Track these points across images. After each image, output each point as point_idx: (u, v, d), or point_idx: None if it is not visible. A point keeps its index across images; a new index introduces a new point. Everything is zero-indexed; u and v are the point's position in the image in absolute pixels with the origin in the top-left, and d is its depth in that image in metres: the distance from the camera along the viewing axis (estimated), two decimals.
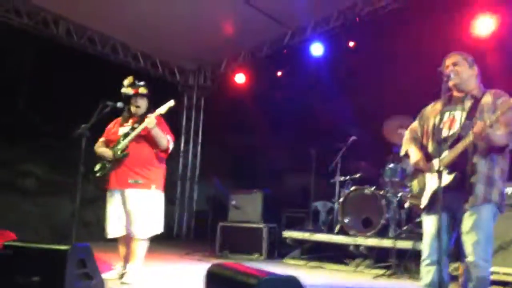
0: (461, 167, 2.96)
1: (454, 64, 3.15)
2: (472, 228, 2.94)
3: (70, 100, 8.41)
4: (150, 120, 4.34)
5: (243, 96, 9.42)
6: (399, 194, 6.17)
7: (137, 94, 4.57)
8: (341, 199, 6.58)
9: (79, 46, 7.99)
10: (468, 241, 2.95)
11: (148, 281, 4.59)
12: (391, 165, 6.27)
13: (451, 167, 2.97)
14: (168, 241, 8.74)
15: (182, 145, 10.15)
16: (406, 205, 5.29)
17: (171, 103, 4.49)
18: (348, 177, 6.81)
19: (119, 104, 4.53)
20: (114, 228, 4.50)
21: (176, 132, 9.83)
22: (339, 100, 8.15)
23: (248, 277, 2.44)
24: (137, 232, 4.38)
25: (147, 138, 4.45)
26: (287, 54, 8.71)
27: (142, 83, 4.65)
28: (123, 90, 4.60)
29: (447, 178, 2.97)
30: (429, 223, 3.11)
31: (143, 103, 4.60)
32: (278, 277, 2.44)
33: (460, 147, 2.95)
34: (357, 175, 6.78)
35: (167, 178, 9.94)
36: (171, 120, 4.81)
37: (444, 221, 3.03)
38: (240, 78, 9.30)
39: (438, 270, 3.03)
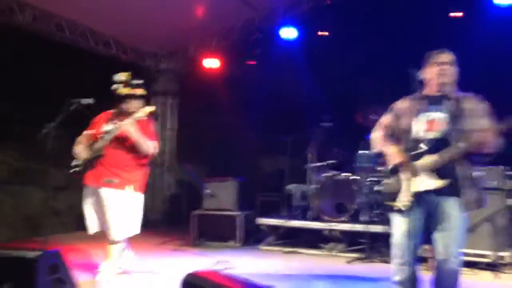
0: (449, 172, 2.96)
1: (446, 64, 3.09)
2: (448, 228, 2.99)
3: (41, 87, 8.20)
4: (127, 126, 4.22)
5: (216, 80, 9.32)
6: (370, 179, 6.26)
7: (130, 95, 4.39)
8: (315, 185, 6.66)
9: (47, 33, 7.72)
10: (443, 239, 3.00)
11: (123, 277, 4.57)
12: (363, 151, 6.34)
13: (439, 171, 2.98)
14: (142, 228, 8.68)
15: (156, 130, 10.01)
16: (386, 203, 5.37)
17: (151, 108, 4.36)
18: (321, 163, 6.87)
19: (87, 101, 4.35)
20: (92, 224, 4.44)
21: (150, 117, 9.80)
22: (313, 85, 8.17)
23: None
24: (111, 233, 4.33)
25: (127, 139, 4.31)
26: (259, 38, 8.63)
27: (140, 82, 4.45)
28: (118, 89, 4.38)
29: (434, 183, 2.99)
30: (401, 223, 3.10)
31: (136, 104, 4.41)
32: None
33: (451, 152, 2.94)
34: (331, 161, 6.85)
35: None
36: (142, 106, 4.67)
37: (417, 222, 3.06)
38: (212, 63, 9.18)
39: (411, 269, 3.11)
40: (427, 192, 2.96)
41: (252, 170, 9.32)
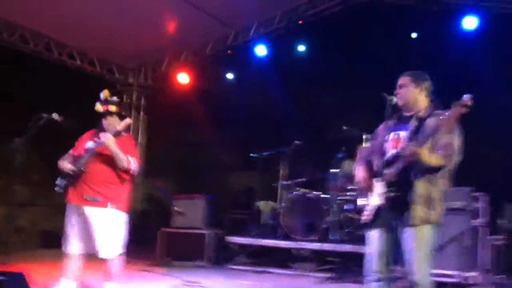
0: (399, 187, 2.99)
1: (400, 86, 3.21)
2: (412, 248, 3.01)
3: (6, 99, 7.95)
4: (106, 138, 4.15)
5: (186, 95, 9.25)
6: (341, 198, 6.30)
7: (106, 112, 4.35)
8: (285, 203, 6.64)
9: (10, 44, 7.51)
10: (409, 260, 3.02)
11: None
12: (333, 170, 6.39)
13: (390, 186, 3.02)
14: None
15: None
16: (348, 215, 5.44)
17: (128, 121, 4.31)
18: (291, 181, 6.87)
19: (54, 116, 4.31)
20: (71, 244, 4.28)
21: None
22: (285, 102, 8.21)
23: None
24: (102, 251, 4.20)
25: (107, 155, 4.24)
26: (231, 55, 8.63)
27: (114, 99, 4.41)
28: (96, 106, 4.38)
29: (385, 198, 3.04)
30: (374, 240, 3.17)
31: (113, 121, 4.35)
32: None
33: (396, 166, 2.99)
34: (301, 179, 6.85)
35: None
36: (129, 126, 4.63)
37: (387, 238, 3.11)
38: (182, 78, 9.11)
39: (381, 285, 3.12)
40: (384, 207, 3.00)
41: (221, 187, 9.24)
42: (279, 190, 6.98)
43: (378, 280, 3.11)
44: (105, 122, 4.39)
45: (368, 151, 3.44)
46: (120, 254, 4.35)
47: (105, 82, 9.36)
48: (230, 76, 8.76)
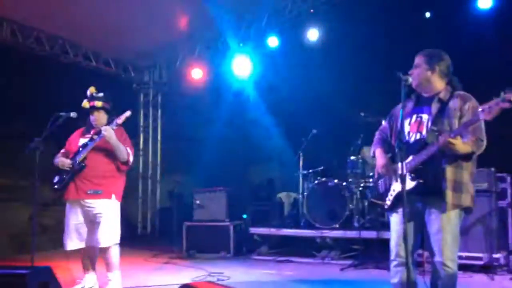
0: (427, 173, 2.94)
1: (415, 66, 3.13)
2: (439, 231, 2.96)
3: (25, 102, 8.08)
4: (108, 131, 4.21)
5: (201, 90, 9.28)
6: (362, 185, 6.26)
7: (93, 108, 4.43)
8: (305, 192, 6.63)
9: (26, 48, 7.62)
10: (436, 242, 2.98)
11: None
12: (352, 157, 6.34)
13: (416, 172, 2.97)
14: (132, 241, 8.59)
15: (142, 142, 9.94)
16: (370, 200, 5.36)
17: (128, 113, 4.36)
18: (311, 170, 6.84)
19: (72, 114, 4.37)
20: (71, 241, 4.37)
21: (134, 130, 9.71)
22: (300, 92, 8.16)
23: None
24: (103, 241, 4.27)
25: (106, 149, 4.34)
26: (244, 47, 8.61)
27: (100, 95, 4.49)
28: (83, 103, 4.47)
29: (410, 184, 2.97)
30: (396, 225, 3.14)
31: (100, 116, 4.46)
32: None
33: (425, 154, 2.93)
34: (320, 168, 6.82)
35: (129, 176, 9.78)
36: (128, 118, 4.66)
37: (410, 223, 3.06)
38: (197, 73, 9.14)
39: (406, 270, 3.08)
40: (409, 193, 2.93)
41: (242, 180, 9.26)
42: (299, 180, 6.95)
43: (401, 264, 3.08)
44: (92, 117, 4.47)
45: (385, 133, 3.38)
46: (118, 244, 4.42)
47: (121, 81, 9.47)
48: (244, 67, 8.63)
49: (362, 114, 6.17)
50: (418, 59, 3.14)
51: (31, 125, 4.20)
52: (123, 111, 4.41)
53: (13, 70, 8.28)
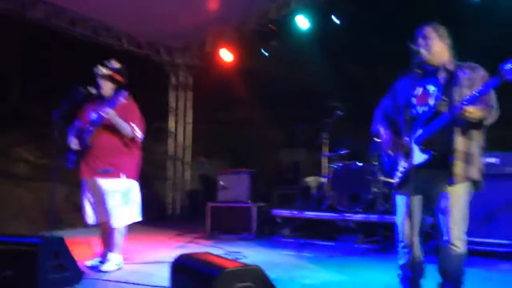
0: (437, 145, 2.87)
1: (424, 38, 3.02)
2: (448, 208, 2.88)
3: (58, 84, 8.31)
4: (106, 113, 4.22)
5: (231, 72, 9.29)
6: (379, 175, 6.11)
7: (97, 75, 4.46)
8: (329, 175, 6.54)
9: (59, 29, 7.80)
10: (444, 221, 2.90)
11: (129, 267, 4.57)
12: (377, 140, 6.18)
13: (427, 145, 2.89)
14: (161, 221, 8.78)
15: (172, 124, 10.05)
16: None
17: (124, 93, 4.29)
18: (334, 153, 6.74)
19: (92, 89, 4.41)
20: (90, 216, 4.47)
21: (165, 112, 9.83)
22: (328, 74, 8.04)
23: (212, 268, 2.39)
24: (112, 221, 4.34)
25: (112, 126, 4.34)
26: (274, 29, 8.52)
27: (112, 65, 4.50)
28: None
29: (421, 157, 2.90)
30: (402, 203, 3.07)
31: (105, 84, 4.45)
32: (241, 268, 2.38)
33: (436, 124, 2.85)
34: (344, 150, 6.71)
35: (160, 158, 9.91)
36: (159, 100, 4.69)
37: (417, 201, 2.99)
38: (226, 55, 9.13)
39: (414, 251, 3.00)
40: (418, 167, 2.84)
41: (267, 163, 9.26)
42: (323, 163, 6.86)
43: (408, 245, 3.01)
44: (101, 85, 4.46)
45: (388, 107, 3.27)
46: (129, 224, 4.46)
47: (152, 63, 9.58)
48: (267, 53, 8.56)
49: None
50: (427, 31, 3.03)
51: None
52: (149, 93, 4.42)
53: (47, 52, 8.54)
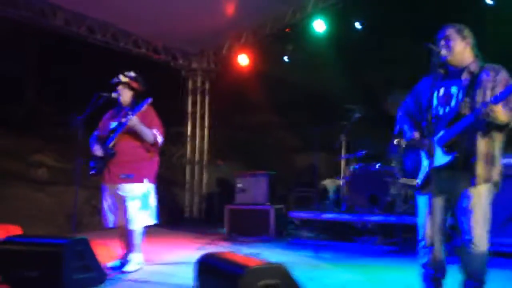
0: (460, 146, 2.86)
1: (446, 39, 3.02)
2: (470, 208, 2.87)
3: (78, 90, 8.45)
4: (130, 120, 4.32)
5: (248, 77, 9.35)
6: (396, 173, 6.08)
7: (119, 83, 4.56)
8: (347, 177, 6.55)
9: (79, 36, 7.94)
10: (466, 220, 2.90)
11: (150, 268, 4.63)
12: (396, 141, 6.17)
13: (450, 147, 2.89)
14: (179, 224, 8.85)
15: (190, 129, 10.13)
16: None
17: (148, 100, 4.42)
18: (353, 155, 6.75)
19: (114, 95, 4.53)
20: (109, 219, 4.59)
21: (182, 116, 9.92)
22: (344, 77, 8.06)
23: (236, 267, 2.43)
24: (131, 224, 4.44)
25: (134, 132, 4.44)
26: (290, 33, 8.57)
27: (130, 73, 4.62)
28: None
29: (444, 158, 2.90)
30: (424, 204, 3.06)
31: (124, 93, 4.57)
32: (265, 266, 2.42)
33: (460, 126, 2.84)
34: (363, 152, 6.71)
35: (178, 162, 9.99)
36: (176, 105, 4.78)
37: (439, 201, 2.99)
38: (243, 59, 9.19)
39: (434, 250, 3.01)
40: (440, 168, 2.84)
41: (285, 166, 9.30)
42: (341, 164, 6.87)
43: (429, 245, 3.02)
44: (120, 94, 4.56)
45: (410, 107, 3.26)
46: (153, 225, 4.55)
47: (169, 68, 9.69)
48: (286, 58, 8.65)
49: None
50: (449, 32, 3.02)
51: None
52: (167, 99, 4.52)
53: (67, 59, 8.69)
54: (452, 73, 3.03)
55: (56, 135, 9.53)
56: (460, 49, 2.99)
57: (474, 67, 2.97)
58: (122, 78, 4.56)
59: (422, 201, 3.09)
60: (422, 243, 3.07)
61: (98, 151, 4.49)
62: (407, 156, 3.21)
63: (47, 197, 8.86)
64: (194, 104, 10.13)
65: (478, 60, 3.00)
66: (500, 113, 2.70)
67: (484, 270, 2.91)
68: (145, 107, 4.35)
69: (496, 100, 2.68)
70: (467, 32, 3.03)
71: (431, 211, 2.97)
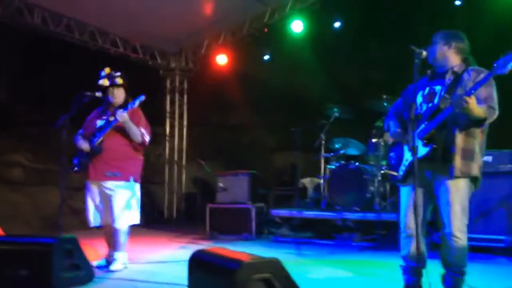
0: (439, 140, 3.01)
1: (432, 43, 3.21)
2: (448, 200, 3.01)
3: (55, 89, 8.35)
4: (121, 117, 4.34)
5: (226, 76, 9.39)
6: (383, 168, 6.26)
7: (113, 85, 4.55)
8: (326, 175, 6.67)
9: (56, 35, 7.85)
10: (445, 212, 3.03)
11: (135, 266, 4.65)
12: (374, 140, 6.34)
13: (429, 139, 3.03)
14: (158, 224, 8.83)
15: (168, 128, 10.13)
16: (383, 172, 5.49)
17: (142, 98, 4.46)
18: (332, 154, 6.88)
19: (98, 94, 4.52)
20: (94, 218, 4.56)
21: (160, 116, 9.90)
22: (322, 77, 8.18)
23: (230, 261, 2.49)
24: (116, 223, 4.44)
25: (122, 130, 4.45)
26: (268, 33, 8.65)
27: (118, 73, 4.60)
28: (100, 81, 4.56)
29: (423, 150, 3.04)
30: (406, 195, 3.20)
31: (119, 93, 4.58)
32: (259, 259, 2.49)
33: (438, 119, 2.99)
34: (342, 151, 6.84)
35: (156, 162, 9.96)
36: (154, 104, 4.78)
37: (420, 193, 3.11)
38: (222, 59, 9.24)
39: (415, 241, 3.12)
40: (420, 160, 2.98)
41: (265, 166, 9.37)
42: (321, 163, 6.99)
43: (410, 236, 3.14)
44: (112, 95, 4.54)
45: (399, 108, 3.44)
46: (133, 225, 4.56)
47: (148, 68, 9.65)
48: (266, 57, 8.78)
49: (385, 96, 6.18)
50: (435, 37, 3.23)
51: (62, 112, 4.35)
52: (138, 95, 4.52)
53: (44, 58, 8.57)
54: (438, 74, 3.21)
55: (31, 135, 9.38)
56: (442, 52, 3.16)
57: (458, 68, 3.14)
58: (119, 80, 4.54)
59: (404, 192, 3.23)
60: (404, 234, 3.20)
61: (84, 145, 4.46)
62: (392, 150, 3.39)
63: (23, 197, 8.72)
64: (172, 103, 10.14)
65: (466, 63, 3.16)
66: (473, 105, 2.82)
67: (464, 262, 3.05)
68: (137, 104, 4.36)
69: (469, 92, 2.83)
70: (455, 37, 3.19)
71: (412, 203, 3.09)
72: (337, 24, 7.96)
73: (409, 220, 3.14)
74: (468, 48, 3.20)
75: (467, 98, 2.79)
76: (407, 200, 3.18)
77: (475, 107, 2.84)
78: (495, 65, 2.77)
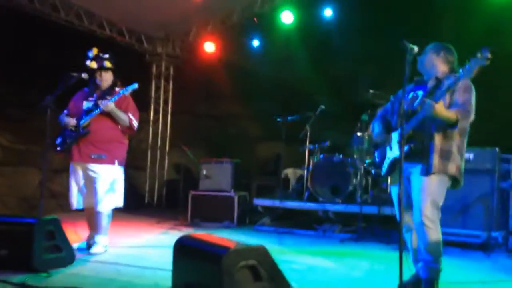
0: (416, 139, 3.15)
1: (422, 53, 3.32)
2: (420, 192, 3.13)
3: (38, 71, 8.20)
4: (106, 106, 4.30)
5: (213, 65, 9.33)
6: (366, 161, 6.31)
7: (101, 68, 4.49)
8: (310, 167, 6.71)
9: (42, 14, 7.70)
10: (417, 203, 3.15)
11: (116, 250, 4.63)
12: (359, 133, 6.39)
13: (406, 139, 3.13)
14: (139, 210, 8.79)
15: (152, 114, 10.05)
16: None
17: (134, 86, 4.43)
18: (317, 145, 6.91)
19: (84, 75, 4.43)
20: (77, 200, 4.51)
21: (145, 101, 9.80)
22: (310, 69, 8.18)
23: (217, 247, 2.49)
24: (99, 206, 4.41)
25: (110, 114, 4.42)
26: (258, 23, 8.60)
27: (106, 55, 4.55)
28: (88, 63, 4.50)
29: (397, 150, 3.21)
30: (394, 194, 3.36)
31: (107, 77, 4.54)
32: (245, 246, 2.49)
33: (414, 120, 3.12)
34: (326, 143, 6.88)
35: (138, 147, 9.88)
36: (139, 89, 4.72)
37: (405, 188, 3.21)
38: (209, 47, 9.18)
39: (410, 234, 3.31)
40: (398, 159, 3.09)
41: (249, 155, 9.36)
42: (305, 155, 7.03)
43: (408, 230, 3.32)
44: (99, 78, 4.49)
45: (386, 111, 3.60)
46: (115, 208, 4.54)
47: (134, 51, 9.54)
48: (256, 43, 8.74)
49: (371, 91, 6.20)
50: (427, 48, 3.37)
51: (44, 93, 4.28)
52: (131, 82, 4.48)
53: (28, 38, 8.39)
54: (423, 81, 3.38)
55: (11, 115, 9.21)
56: (430, 61, 3.33)
57: (441, 75, 3.28)
58: (107, 63, 4.49)
59: (393, 191, 3.39)
60: (403, 229, 3.29)
61: (71, 121, 4.39)
62: (377, 150, 3.55)
63: (0, 178, 8.58)
64: (157, 89, 10.05)
65: (452, 72, 3.27)
66: (440, 109, 2.96)
67: (439, 252, 3.12)
68: (129, 91, 4.33)
69: (437, 97, 3.00)
70: (445, 48, 3.33)
71: (398, 198, 3.16)
72: (328, 13, 7.93)
73: (402, 216, 3.21)
74: (456, 62, 3.33)
75: (429, 101, 2.95)
76: (395, 198, 3.34)
77: (443, 111, 2.99)
78: (461, 71, 2.93)
